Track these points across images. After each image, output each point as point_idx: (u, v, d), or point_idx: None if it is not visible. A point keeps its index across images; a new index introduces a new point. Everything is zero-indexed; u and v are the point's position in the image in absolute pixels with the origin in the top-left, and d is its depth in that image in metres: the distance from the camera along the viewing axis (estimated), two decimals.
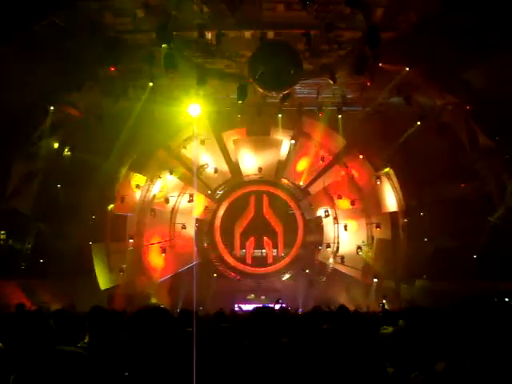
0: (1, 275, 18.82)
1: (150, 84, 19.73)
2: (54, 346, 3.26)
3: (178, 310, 8.44)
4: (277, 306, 12.00)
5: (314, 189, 28.14)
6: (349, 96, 23.00)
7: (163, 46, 16.12)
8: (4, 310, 13.48)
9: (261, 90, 18.10)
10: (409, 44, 17.53)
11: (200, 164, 27.32)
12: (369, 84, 20.14)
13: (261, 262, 28.77)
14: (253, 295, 26.53)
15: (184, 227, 27.51)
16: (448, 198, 21.53)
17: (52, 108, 19.66)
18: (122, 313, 8.78)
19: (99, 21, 16.75)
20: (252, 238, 28.58)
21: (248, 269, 28.59)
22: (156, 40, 16.13)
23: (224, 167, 27.86)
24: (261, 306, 4.73)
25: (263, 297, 26.26)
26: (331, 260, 27.47)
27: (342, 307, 7.32)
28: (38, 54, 16.00)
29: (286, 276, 28.06)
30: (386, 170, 25.03)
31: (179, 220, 27.47)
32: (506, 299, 16.41)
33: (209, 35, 17.68)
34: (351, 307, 20.93)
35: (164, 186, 26.69)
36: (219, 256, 28.68)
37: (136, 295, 23.16)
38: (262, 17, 17.11)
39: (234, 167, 28.18)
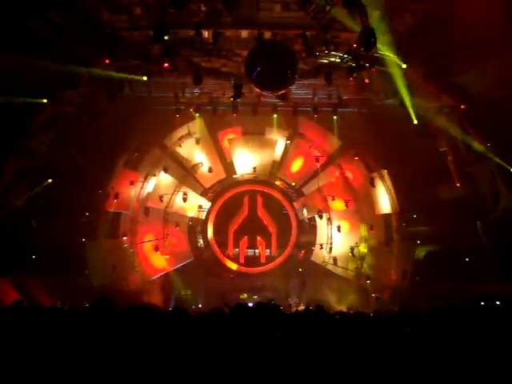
0: None
1: (144, 78, 19.61)
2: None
3: (171, 308, 8.41)
4: None
5: (308, 189, 28.15)
6: (344, 97, 23.02)
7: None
8: None
9: (257, 90, 18.11)
10: (405, 46, 17.57)
11: (195, 162, 27.30)
12: (367, 81, 20.13)
13: (254, 261, 28.79)
14: (246, 295, 26.53)
15: (178, 226, 27.51)
16: (442, 200, 21.60)
17: (47, 104, 19.58)
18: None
19: (96, 17, 16.72)
20: (245, 238, 28.59)
21: (241, 268, 28.60)
22: (153, 37, 16.12)
23: (218, 166, 27.84)
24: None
25: (255, 296, 26.26)
26: (324, 261, 27.50)
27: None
28: (34, 51, 15.94)
29: (279, 276, 28.01)
30: (381, 171, 25.05)
31: (173, 218, 27.45)
32: (498, 302, 16.50)
33: (205, 34, 17.67)
34: (343, 308, 21.11)
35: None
36: (212, 255, 28.66)
37: (129, 293, 23.09)
38: (258, 17, 17.13)
39: (229, 166, 28.17)
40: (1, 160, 19.25)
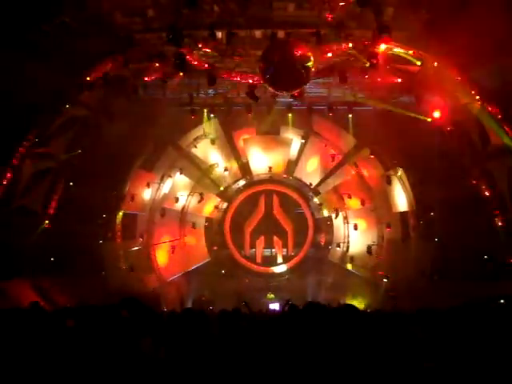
0: (12, 274, 18.92)
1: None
2: None
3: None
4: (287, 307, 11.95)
5: (324, 188, 28.06)
6: (359, 95, 22.93)
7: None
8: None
9: (271, 89, 18.09)
10: (420, 43, 17.47)
11: (210, 163, 27.33)
12: (379, 80, 20.04)
13: (270, 261, 28.77)
14: (272, 295, 26.54)
15: (194, 226, 27.56)
16: (459, 197, 21.40)
17: (63, 107, 19.73)
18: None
19: (110, 20, 16.81)
20: (262, 237, 28.58)
21: (258, 268, 28.59)
22: (166, 39, 16.17)
23: (234, 166, 27.86)
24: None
25: (272, 296, 26.26)
26: (341, 260, 27.38)
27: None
28: (50, 54, 16.06)
29: (296, 275, 27.97)
30: (399, 173, 24.87)
31: (189, 219, 27.51)
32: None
33: (219, 34, 17.69)
34: (360, 307, 21.00)
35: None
36: (229, 255, 28.69)
37: (146, 294, 23.16)
38: (272, 16, 17.12)
39: (244, 166, 28.16)
40: (18, 163, 19.40)
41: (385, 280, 24.84)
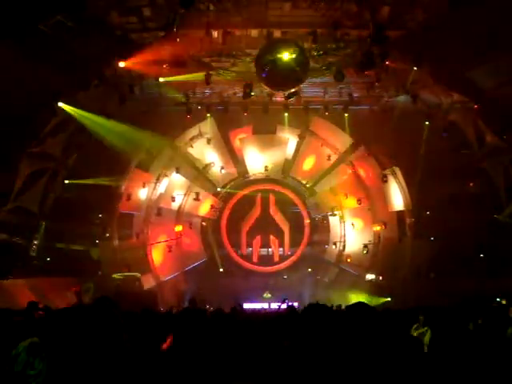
0: (9, 274, 18.89)
1: (161, 80, 19.64)
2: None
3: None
4: (283, 306, 11.97)
5: (320, 187, 28.06)
6: (355, 95, 22.96)
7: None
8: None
9: (267, 89, 18.09)
10: (416, 42, 17.49)
11: (206, 162, 27.28)
12: (377, 84, 20.10)
13: (267, 260, 28.76)
14: (269, 294, 26.55)
15: (190, 226, 27.52)
16: (455, 196, 21.48)
17: (59, 107, 19.70)
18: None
19: (106, 20, 16.78)
20: (258, 237, 28.57)
21: (254, 267, 28.58)
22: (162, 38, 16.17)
23: (230, 166, 27.80)
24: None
25: (269, 295, 26.27)
26: (337, 258, 27.39)
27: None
28: (46, 54, 16.04)
29: (292, 274, 27.97)
30: (395, 172, 24.90)
31: (185, 218, 27.47)
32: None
33: (215, 34, 17.68)
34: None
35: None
36: (225, 254, 28.68)
37: (142, 294, 23.14)
38: (268, 15, 17.12)
39: (241, 166, 28.11)
40: (14, 163, 19.38)
41: (381, 278, 24.89)
